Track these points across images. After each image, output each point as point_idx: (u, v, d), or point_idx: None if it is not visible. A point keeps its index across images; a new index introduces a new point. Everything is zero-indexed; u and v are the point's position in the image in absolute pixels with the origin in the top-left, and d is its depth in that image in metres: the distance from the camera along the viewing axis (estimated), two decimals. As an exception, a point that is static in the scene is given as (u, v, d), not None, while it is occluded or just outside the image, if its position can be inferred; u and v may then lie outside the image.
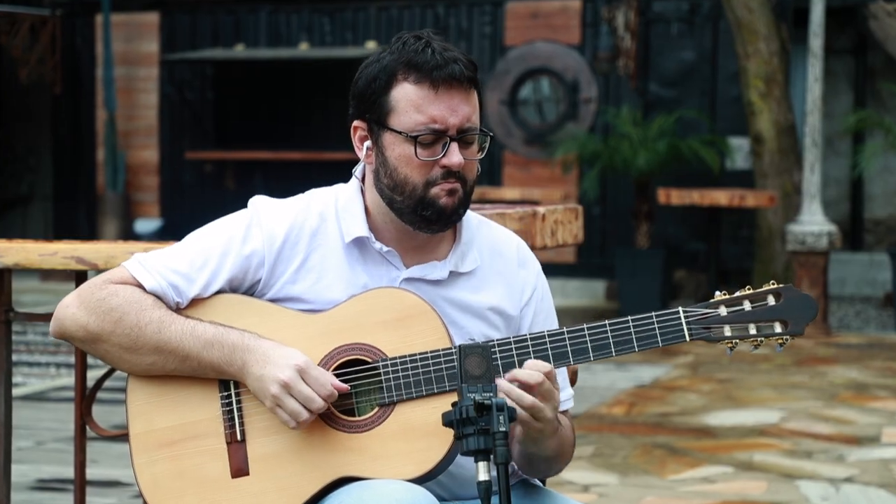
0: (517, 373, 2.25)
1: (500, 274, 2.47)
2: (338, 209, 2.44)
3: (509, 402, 2.21)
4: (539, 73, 12.79)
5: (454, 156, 2.34)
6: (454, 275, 2.43)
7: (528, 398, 2.23)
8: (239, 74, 13.65)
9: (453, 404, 2.14)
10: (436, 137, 2.33)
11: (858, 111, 12.14)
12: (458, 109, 2.33)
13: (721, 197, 11.00)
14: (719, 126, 12.26)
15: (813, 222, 10.18)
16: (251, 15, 13.56)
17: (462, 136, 2.35)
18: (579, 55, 12.68)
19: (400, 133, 2.33)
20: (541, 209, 3.40)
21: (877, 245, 13.52)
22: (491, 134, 2.41)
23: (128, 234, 13.38)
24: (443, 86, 2.32)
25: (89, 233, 13.70)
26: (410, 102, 2.33)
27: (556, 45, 12.72)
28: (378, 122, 2.36)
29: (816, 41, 10.20)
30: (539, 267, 2.53)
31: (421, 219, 2.36)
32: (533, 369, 2.25)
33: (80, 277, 3.19)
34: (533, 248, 3.34)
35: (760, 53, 11.35)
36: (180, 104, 13.71)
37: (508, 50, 12.86)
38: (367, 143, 2.39)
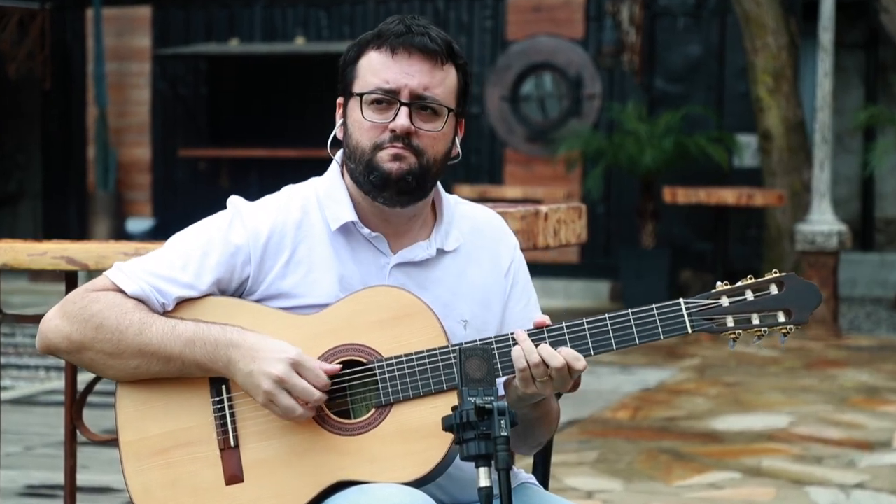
0: (543, 349, 2.28)
1: (482, 248, 2.51)
2: (319, 198, 2.46)
3: (514, 354, 2.27)
4: (541, 69, 12.79)
5: (400, 118, 2.37)
6: (441, 253, 2.46)
7: (536, 357, 2.26)
8: (233, 70, 13.65)
9: (453, 408, 2.14)
10: (388, 102, 2.37)
11: (869, 107, 12.14)
12: (414, 75, 2.37)
13: (728, 195, 11.00)
14: (727, 123, 12.26)
15: (823, 221, 10.18)
16: (246, 9, 13.56)
17: (415, 104, 2.37)
18: (583, 50, 12.68)
19: (355, 95, 2.40)
20: (543, 208, 3.40)
21: (888, 245, 13.51)
22: (450, 108, 2.41)
23: (119, 234, 13.38)
24: (401, 51, 2.37)
25: (80, 232, 13.70)
26: (370, 67, 2.40)
27: (559, 39, 12.72)
28: (345, 91, 2.44)
29: (826, 35, 10.20)
30: (515, 240, 2.58)
31: (370, 185, 2.40)
32: (565, 356, 2.28)
33: (69, 278, 3.19)
34: (535, 247, 3.35)
35: (769, 48, 11.35)
36: (173, 100, 13.70)
37: (510, 44, 12.85)
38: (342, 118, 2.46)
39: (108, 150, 13.48)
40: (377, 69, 2.38)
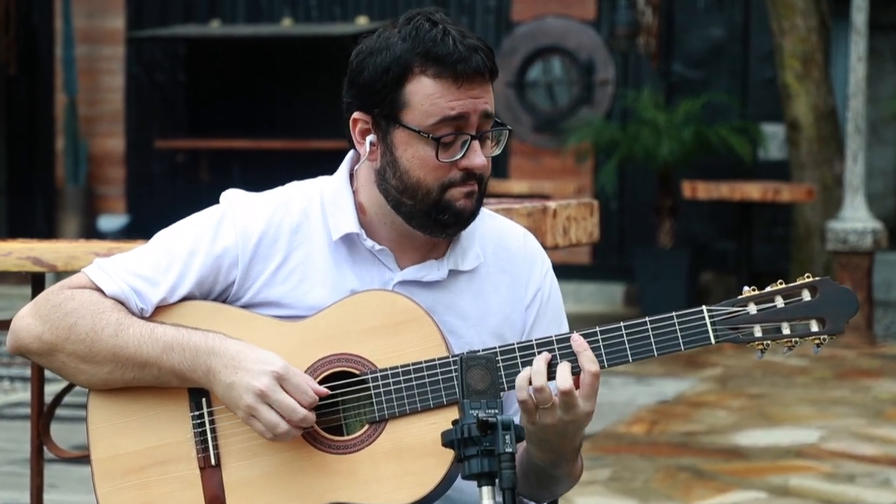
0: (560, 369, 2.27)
1: (505, 271, 2.47)
2: (323, 203, 2.44)
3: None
4: (550, 53, 12.79)
5: (477, 157, 2.34)
6: (454, 274, 2.43)
7: (541, 380, 2.25)
8: (214, 54, 13.65)
9: (454, 422, 2.14)
10: (455, 137, 2.33)
11: (907, 94, 12.15)
12: (479, 105, 2.33)
13: (753, 190, 11.00)
14: (751, 111, 12.26)
15: (856, 219, 10.18)
16: (228, -13, 13.56)
17: (482, 135, 2.35)
18: (595, 32, 12.68)
19: (418, 132, 2.33)
20: (552, 204, 3.41)
21: (927, 244, 13.51)
22: (510, 128, 2.41)
23: (90, 232, 13.37)
24: (466, 80, 2.31)
25: (47, 231, 13.70)
26: (429, 98, 2.32)
27: (569, 20, 12.72)
28: (389, 117, 2.35)
29: (860, 16, 10.20)
30: (549, 264, 2.54)
31: (435, 223, 2.36)
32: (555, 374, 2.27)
33: (36, 280, 3.19)
34: (543, 247, 3.35)
35: (797, 30, 11.35)
36: (149, 87, 13.71)
37: (516, 26, 12.86)
38: (371, 137, 2.38)
39: (78, 142, 13.48)
40: (441, 102, 2.31)
